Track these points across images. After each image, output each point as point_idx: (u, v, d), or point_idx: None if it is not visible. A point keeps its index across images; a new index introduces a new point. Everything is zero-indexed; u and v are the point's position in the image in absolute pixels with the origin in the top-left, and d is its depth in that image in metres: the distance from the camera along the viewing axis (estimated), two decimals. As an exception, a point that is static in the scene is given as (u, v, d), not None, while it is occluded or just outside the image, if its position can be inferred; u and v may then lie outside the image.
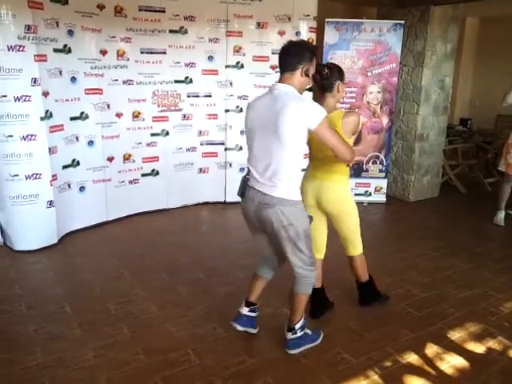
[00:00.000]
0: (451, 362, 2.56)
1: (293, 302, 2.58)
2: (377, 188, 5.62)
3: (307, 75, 2.34)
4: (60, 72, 3.99)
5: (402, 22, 5.23)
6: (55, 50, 3.91)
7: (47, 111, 3.85)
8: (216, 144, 5.24)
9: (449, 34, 5.49)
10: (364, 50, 5.24)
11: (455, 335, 2.82)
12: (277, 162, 2.29)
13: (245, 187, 2.45)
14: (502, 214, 4.91)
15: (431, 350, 2.66)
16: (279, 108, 2.22)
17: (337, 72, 2.61)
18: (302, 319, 2.62)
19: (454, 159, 6.44)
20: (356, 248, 2.92)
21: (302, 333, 2.62)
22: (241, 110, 5.14)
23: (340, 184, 2.76)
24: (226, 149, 5.26)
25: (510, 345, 2.73)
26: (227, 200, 5.35)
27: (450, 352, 2.65)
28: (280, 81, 2.35)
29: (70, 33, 4.02)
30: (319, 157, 2.71)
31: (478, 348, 2.70)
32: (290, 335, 2.60)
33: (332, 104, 2.63)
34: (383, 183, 5.63)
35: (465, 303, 3.22)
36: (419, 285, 3.47)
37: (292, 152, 2.28)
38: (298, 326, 2.59)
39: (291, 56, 2.31)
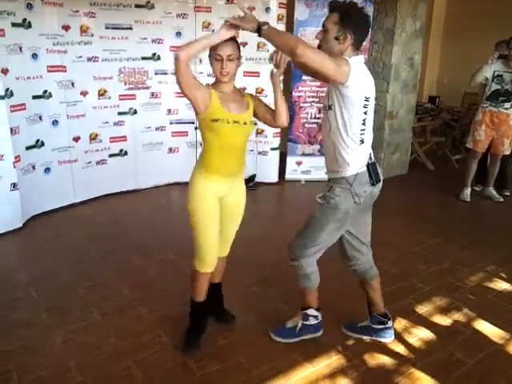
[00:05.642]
0: (419, 336, 2.63)
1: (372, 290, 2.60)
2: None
3: None
4: (20, 48, 3.81)
5: (372, -2, 5.20)
6: (14, 25, 3.72)
7: (7, 89, 3.69)
8: (186, 123, 5.14)
9: (418, 11, 5.49)
10: (334, 26, 5.17)
11: (423, 309, 2.90)
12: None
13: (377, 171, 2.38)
14: (468, 191, 5.03)
15: (400, 324, 2.73)
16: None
17: None
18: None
19: (423, 137, 6.53)
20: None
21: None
22: (211, 88, 5.04)
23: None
24: (196, 128, 5.18)
25: (474, 316, 2.82)
26: (198, 180, 5.29)
27: (418, 326, 2.72)
28: (360, 53, 2.29)
29: (29, 6, 3.82)
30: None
31: (444, 321, 2.78)
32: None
33: None
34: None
35: (432, 278, 3.30)
36: (389, 261, 3.53)
37: None
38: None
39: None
